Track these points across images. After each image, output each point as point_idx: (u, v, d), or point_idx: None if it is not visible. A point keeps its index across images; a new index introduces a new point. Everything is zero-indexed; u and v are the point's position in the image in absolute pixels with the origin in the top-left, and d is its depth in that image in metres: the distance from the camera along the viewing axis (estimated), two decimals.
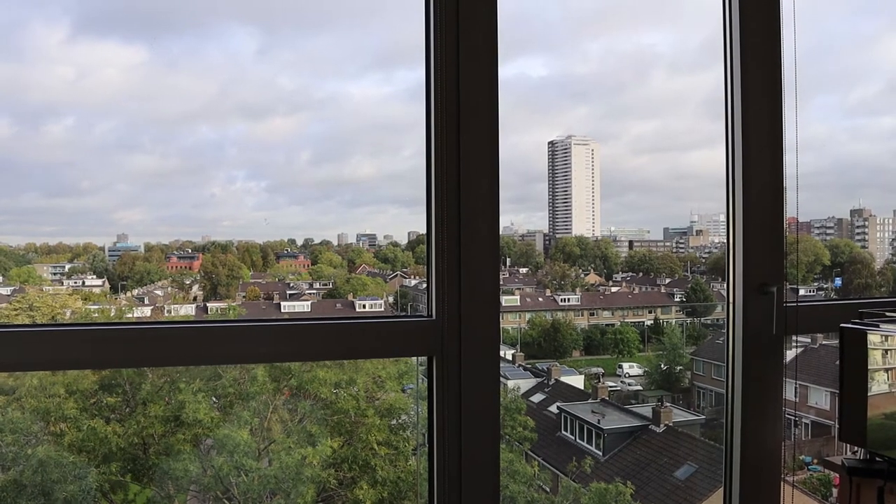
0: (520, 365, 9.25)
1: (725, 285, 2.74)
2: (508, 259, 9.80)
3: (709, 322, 9.88)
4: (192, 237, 8.77)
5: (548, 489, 7.95)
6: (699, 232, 10.25)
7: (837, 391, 2.45)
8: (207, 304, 8.25)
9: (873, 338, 2.37)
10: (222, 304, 8.30)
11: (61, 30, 7.16)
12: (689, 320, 9.84)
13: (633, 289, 9.99)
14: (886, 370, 2.39)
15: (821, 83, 7.86)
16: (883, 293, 9.55)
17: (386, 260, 9.16)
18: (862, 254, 9.48)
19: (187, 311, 8.10)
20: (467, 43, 2.32)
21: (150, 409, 6.68)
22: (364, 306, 8.63)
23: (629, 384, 9.44)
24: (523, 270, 9.93)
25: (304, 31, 7.76)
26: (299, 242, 9.22)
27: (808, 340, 6.91)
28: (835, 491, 5.72)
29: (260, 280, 8.78)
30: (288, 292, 8.76)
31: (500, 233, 2.46)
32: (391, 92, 8.36)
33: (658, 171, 9.89)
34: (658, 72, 9.53)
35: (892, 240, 9.70)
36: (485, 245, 2.36)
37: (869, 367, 2.37)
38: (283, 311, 8.44)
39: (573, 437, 8.39)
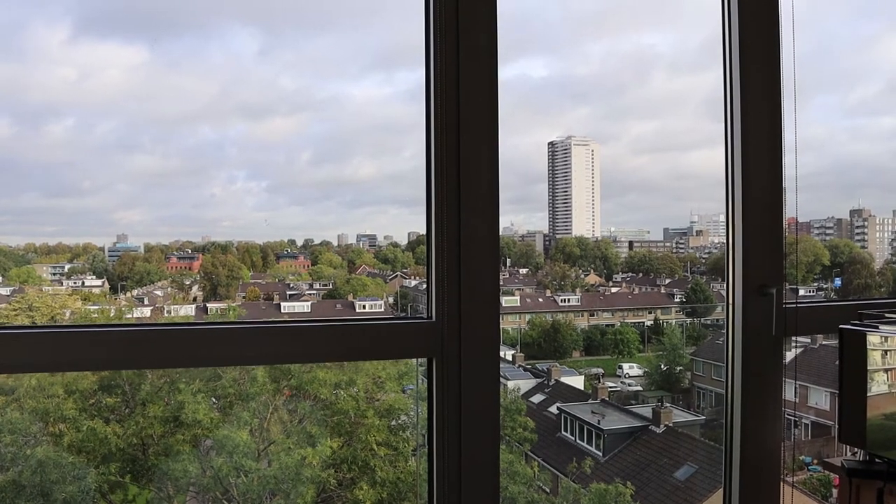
0: (520, 365, 9.25)
1: (725, 286, 2.74)
2: (508, 260, 9.80)
3: (709, 322, 9.88)
4: (192, 237, 8.78)
5: (548, 490, 7.95)
6: (699, 232, 10.25)
7: (837, 392, 2.45)
8: (207, 305, 8.25)
9: (873, 339, 2.37)
10: (222, 305, 8.30)
11: (62, 30, 7.18)
12: (688, 321, 9.84)
13: (633, 289, 9.99)
14: (886, 371, 2.39)
15: (820, 83, 7.87)
16: (882, 293, 9.55)
17: (386, 260, 9.16)
18: (861, 254, 9.48)
19: (187, 311, 8.10)
20: (467, 43, 2.32)
21: (150, 410, 6.68)
22: (364, 307, 8.63)
23: (629, 385, 9.44)
24: (523, 271, 9.93)
25: (306, 31, 7.77)
26: (299, 243, 9.22)
27: (808, 341, 6.91)
28: (835, 492, 5.72)
29: (260, 280, 8.78)
30: (288, 293, 8.76)
31: (500, 233, 2.46)
32: (392, 93, 8.37)
33: (658, 171, 9.90)
34: (658, 72, 9.54)
35: (892, 240, 9.70)
36: (485, 245, 2.36)
37: (868, 368, 2.37)
38: (283, 311, 8.44)
39: (573, 438, 8.38)
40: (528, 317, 9.49)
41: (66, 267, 8.26)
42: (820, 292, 9.42)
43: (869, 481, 2.37)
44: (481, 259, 2.35)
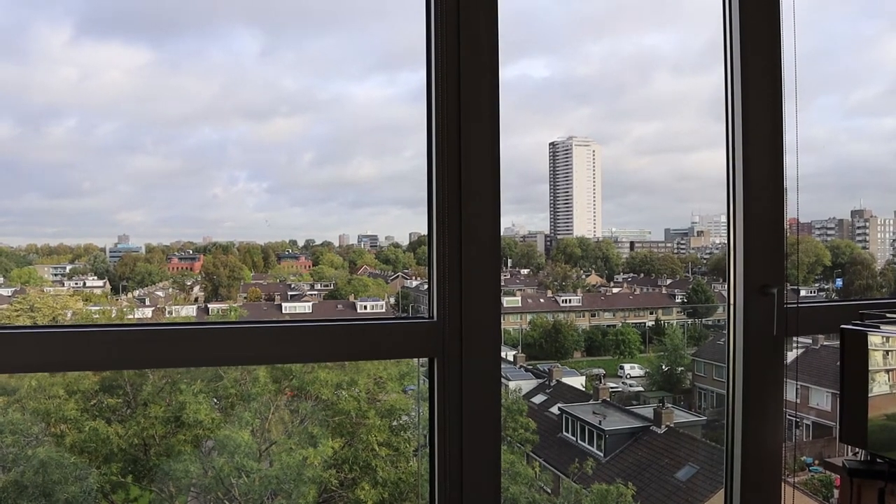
0: (521, 366, 9.25)
1: (726, 286, 2.74)
2: (510, 260, 9.80)
3: (710, 323, 9.87)
4: (194, 238, 8.79)
5: (549, 490, 7.95)
6: (700, 233, 10.24)
7: (838, 392, 2.45)
8: (208, 305, 8.25)
9: (874, 339, 2.37)
10: (223, 306, 8.30)
11: (64, 31, 7.18)
12: (690, 321, 9.84)
13: (635, 290, 9.99)
14: (887, 371, 2.39)
15: (821, 84, 7.86)
16: (884, 294, 9.55)
17: (387, 261, 9.16)
18: (863, 255, 9.48)
19: (188, 312, 8.10)
20: (468, 44, 2.32)
21: (151, 410, 6.69)
22: (365, 307, 8.63)
23: (630, 385, 9.44)
24: (525, 271, 9.93)
25: (308, 32, 7.77)
26: (301, 243, 9.22)
27: (809, 341, 6.89)
28: (836, 492, 5.71)
29: (261, 281, 8.78)
30: (289, 293, 8.76)
31: (502, 234, 2.47)
32: (394, 93, 8.36)
33: (659, 172, 9.89)
34: (660, 73, 9.53)
35: (893, 241, 9.69)
36: (486, 246, 2.36)
37: (870, 369, 2.37)
38: (284, 312, 8.44)
39: (574, 439, 8.38)
40: (529, 317, 9.49)
41: (68, 268, 8.27)
42: (821, 293, 9.42)
43: (870, 481, 2.37)
44: (482, 259, 2.36)
